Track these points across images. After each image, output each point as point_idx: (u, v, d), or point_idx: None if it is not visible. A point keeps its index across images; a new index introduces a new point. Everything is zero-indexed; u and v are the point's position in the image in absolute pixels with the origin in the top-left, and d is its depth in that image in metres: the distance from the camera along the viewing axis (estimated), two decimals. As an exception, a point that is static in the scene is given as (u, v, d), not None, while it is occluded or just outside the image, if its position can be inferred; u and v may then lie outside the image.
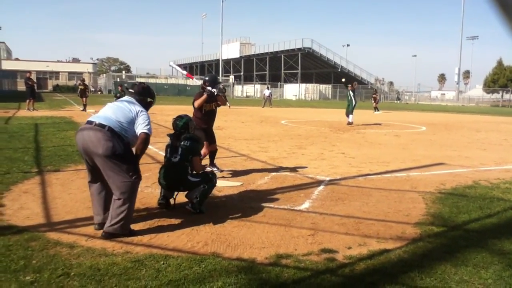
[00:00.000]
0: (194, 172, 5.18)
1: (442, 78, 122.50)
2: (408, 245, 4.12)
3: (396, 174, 7.75)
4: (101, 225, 4.25)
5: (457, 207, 5.46)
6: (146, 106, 4.60)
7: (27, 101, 22.01)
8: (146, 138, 4.25)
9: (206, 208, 5.04)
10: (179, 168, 5.04)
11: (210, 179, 5.13)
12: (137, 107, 4.40)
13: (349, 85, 18.94)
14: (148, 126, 4.29)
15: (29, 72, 23.87)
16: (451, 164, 8.92)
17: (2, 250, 3.66)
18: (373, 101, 31.41)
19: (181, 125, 5.27)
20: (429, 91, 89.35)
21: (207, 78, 7.23)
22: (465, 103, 70.43)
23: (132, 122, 4.26)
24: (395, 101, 65.48)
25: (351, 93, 18.57)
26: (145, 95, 4.65)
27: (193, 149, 5.16)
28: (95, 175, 4.29)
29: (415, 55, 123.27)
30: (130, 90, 4.65)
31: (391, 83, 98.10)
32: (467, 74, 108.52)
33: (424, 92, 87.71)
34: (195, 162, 5.17)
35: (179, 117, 5.37)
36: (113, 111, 4.29)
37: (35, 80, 22.88)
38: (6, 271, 3.27)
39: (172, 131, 5.37)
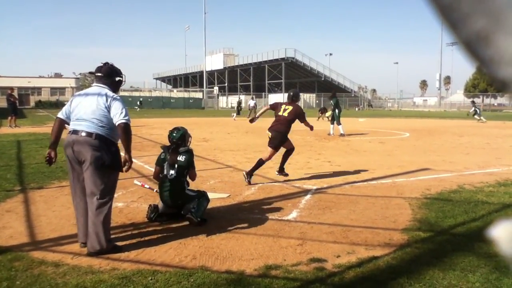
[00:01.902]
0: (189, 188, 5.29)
1: (423, 84, 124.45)
2: (396, 251, 4.14)
3: (382, 180, 7.80)
4: (85, 244, 4.17)
5: (443, 211, 5.51)
6: (116, 86, 4.45)
7: (9, 118, 21.67)
8: (126, 128, 4.16)
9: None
10: (177, 184, 5.11)
11: (203, 194, 5.26)
12: (108, 93, 4.22)
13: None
14: (124, 114, 4.15)
15: (11, 88, 23.55)
16: (436, 169, 9.02)
17: (-15, 272, 3.57)
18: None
19: (177, 137, 5.26)
20: (411, 97, 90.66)
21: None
22: (447, 108, 71.51)
23: (108, 115, 4.14)
24: (368, 108, 65.96)
25: (334, 101, 18.45)
26: (114, 74, 4.42)
27: (189, 164, 5.21)
28: (80, 192, 4.20)
29: (396, 62, 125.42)
30: (98, 74, 4.35)
31: (374, 90, 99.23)
32: (448, 80, 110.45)
33: (407, 99, 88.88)
34: (192, 174, 5.32)
35: (176, 129, 5.36)
36: (91, 112, 4.13)
37: (16, 97, 22.56)
38: (-11, 293, 3.19)
39: (164, 144, 5.38)
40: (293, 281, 3.47)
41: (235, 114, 32.91)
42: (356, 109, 66.00)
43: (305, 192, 6.80)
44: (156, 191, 6.23)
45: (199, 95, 68.42)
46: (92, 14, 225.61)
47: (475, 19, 0.46)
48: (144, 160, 10.04)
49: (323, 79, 71.92)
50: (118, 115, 4.13)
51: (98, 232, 4.04)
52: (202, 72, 75.05)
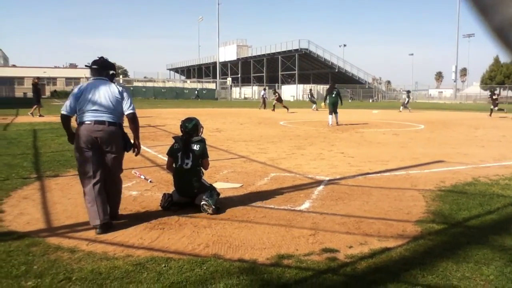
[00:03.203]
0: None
1: (439, 76, 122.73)
2: (409, 243, 4.12)
3: (396, 172, 7.75)
4: (103, 226, 4.33)
5: (457, 204, 5.46)
6: (111, 79, 4.74)
7: (34, 107, 21.98)
8: (134, 118, 4.70)
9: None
10: (193, 173, 5.19)
11: (214, 188, 5.38)
12: (117, 87, 4.64)
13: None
14: (132, 106, 4.66)
15: (37, 78, 23.79)
16: (450, 162, 8.93)
17: (3, 256, 3.65)
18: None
19: (190, 127, 5.30)
20: (426, 89, 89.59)
21: None
22: (462, 100, 70.51)
23: (119, 103, 4.59)
24: (370, 100, 64.73)
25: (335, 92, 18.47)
26: (109, 67, 4.76)
27: (203, 152, 5.27)
28: (99, 175, 4.48)
29: (411, 54, 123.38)
30: (94, 66, 4.67)
31: (389, 82, 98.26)
32: (464, 72, 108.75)
33: (422, 91, 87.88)
34: (205, 163, 5.39)
35: (188, 119, 5.40)
36: (110, 103, 4.52)
37: (39, 86, 22.83)
38: (7, 277, 3.26)
39: (176, 134, 5.42)
40: (305, 270, 3.48)
41: (315, 106, 32.36)
42: (370, 100, 65.43)
43: (318, 183, 6.79)
44: (150, 181, 6.30)
45: (212, 86, 68.43)
46: (106, 5, 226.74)
47: (509, 5, 0.45)
48: (158, 149, 10.11)
49: (336, 70, 71.40)
50: (127, 107, 4.62)
51: (118, 204, 4.84)
52: (215, 63, 75.03)
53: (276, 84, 69.74)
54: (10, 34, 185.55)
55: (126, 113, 4.62)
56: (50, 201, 5.52)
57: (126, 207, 5.26)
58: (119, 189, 4.86)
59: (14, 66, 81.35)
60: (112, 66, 4.85)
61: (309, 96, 34.63)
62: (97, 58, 4.76)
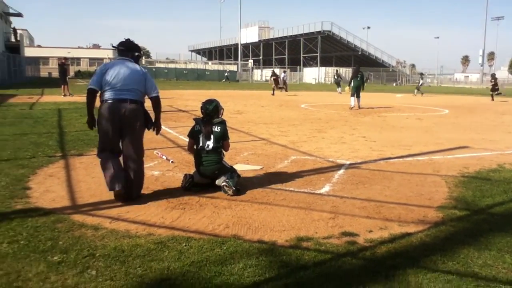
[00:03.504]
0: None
1: (465, 60, 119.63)
2: (430, 228, 4.09)
3: (418, 157, 7.65)
4: (123, 194, 4.72)
5: (480, 190, 5.37)
6: (136, 60, 4.94)
7: (62, 86, 22.39)
8: (158, 100, 4.94)
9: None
10: (214, 154, 5.23)
11: (235, 170, 5.42)
12: (141, 68, 4.88)
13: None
14: (156, 89, 4.91)
15: (64, 58, 24.14)
16: (475, 148, 8.76)
17: (31, 231, 3.76)
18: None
19: (211, 109, 5.32)
20: (452, 73, 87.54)
21: None
22: (489, 85, 68.74)
23: (142, 84, 4.79)
24: (393, 84, 62.58)
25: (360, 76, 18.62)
26: (134, 49, 4.96)
27: (224, 134, 5.31)
28: (117, 149, 4.82)
29: (437, 37, 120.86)
30: (120, 47, 4.88)
31: (413, 65, 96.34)
32: (491, 56, 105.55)
33: (447, 75, 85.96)
34: (226, 145, 5.42)
35: (209, 101, 5.41)
36: (133, 83, 4.72)
37: (65, 66, 23.19)
38: (35, 251, 3.37)
39: (197, 116, 5.45)
40: (324, 253, 3.49)
41: (339, 89, 31.99)
42: (394, 84, 64.36)
43: (339, 166, 6.76)
44: (172, 162, 6.36)
45: (233, 67, 68.24)
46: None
47: None
48: (179, 130, 10.19)
49: (360, 53, 70.24)
50: (152, 89, 4.86)
51: (141, 181, 4.94)
52: (237, 45, 74.64)
53: (298, 67, 69.19)
54: (35, 14, 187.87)
55: (150, 96, 4.85)
56: (75, 179, 5.64)
57: (148, 186, 5.34)
58: (141, 169, 4.92)
59: (39, 46, 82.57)
60: (137, 48, 5.02)
61: (335, 77, 33.86)
62: (123, 40, 4.94)
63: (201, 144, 5.25)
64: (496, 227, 4.15)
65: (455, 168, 6.70)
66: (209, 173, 5.23)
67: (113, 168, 4.70)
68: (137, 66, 4.85)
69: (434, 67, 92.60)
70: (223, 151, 5.42)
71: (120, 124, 4.66)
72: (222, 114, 5.52)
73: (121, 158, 4.88)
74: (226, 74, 60.54)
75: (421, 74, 37.31)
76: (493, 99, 26.25)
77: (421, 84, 32.29)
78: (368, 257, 3.45)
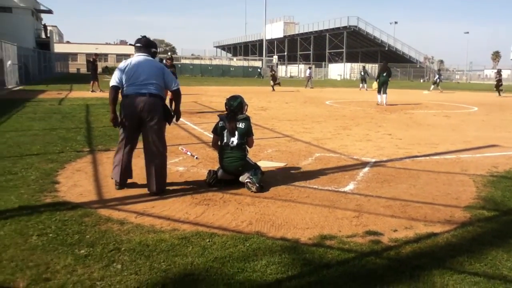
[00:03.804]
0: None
1: (496, 55, 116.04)
2: (456, 229, 4.01)
3: (446, 156, 7.51)
4: (122, 185, 5.04)
5: (510, 190, 5.23)
6: (153, 56, 5.11)
7: (92, 83, 22.88)
8: (179, 93, 5.16)
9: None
10: (238, 151, 5.26)
11: (259, 167, 5.42)
12: (159, 63, 5.10)
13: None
14: (177, 82, 5.12)
15: (94, 54, 24.64)
16: (505, 146, 8.54)
17: (59, 225, 3.86)
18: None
19: (235, 105, 5.34)
20: (482, 69, 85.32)
21: None
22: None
23: (161, 78, 4.95)
24: (421, 80, 59.90)
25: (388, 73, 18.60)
26: (151, 46, 5.11)
27: (248, 130, 5.34)
28: (132, 142, 5.05)
29: (467, 32, 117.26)
30: (137, 44, 5.03)
31: (441, 61, 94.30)
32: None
33: (477, 71, 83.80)
34: (250, 141, 5.46)
35: (233, 97, 5.43)
36: (153, 77, 4.87)
37: (95, 63, 23.67)
38: (63, 244, 3.45)
39: (221, 112, 5.48)
40: (347, 252, 3.47)
41: (365, 85, 31.60)
42: (421, 80, 63.18)
43: (363, 164, 6.69)
44: (196, 158, 6.39)
45: (258, 63, 68.22)
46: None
47: None
48: (204, 127, 10.27)
49: (386, 48, 69.20)
50: (172, 83, 5.03)
51: (165, 175, 5.02)
52: (261, 40, 74.57)
53: (323, 63, 68.66)
54: (64, 11, 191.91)
55: (172, 89, 5.06)
56: (102, 174, 5.75)
57: (173, 182, 5.40)
58: (163, 163, 4.99)
59: (68, 42, 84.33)
60: (154, 44, 5.19)
61: (362, 73, 33.13)
62: (141, 37, 5.10)
63: (225, 141, 5.28)
64: (526, 228, 4.03)
65: (484, 167, 6.54)
66: (233, 170, 5.25)
67: (123, 163, 5.01)
68: (154, 61, 5.05)
69: (463, 63, 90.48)
70: (247, 148, 5.44)
71: (139, 118, 4.85)
72: (246, 110, 5.53)
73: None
74: (259, 70, 61.77)
75: (439, 70, 36.68)
76: (500, 94, 27.06)
77: (438, 80, 31.46)
78: (393, 257, 3.41)
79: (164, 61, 11.20)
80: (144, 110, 4.79)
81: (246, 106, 5.50)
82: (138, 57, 4.98)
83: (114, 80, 4.91)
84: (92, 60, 23.54)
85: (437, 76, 32.28)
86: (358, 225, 4.11)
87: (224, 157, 5.27)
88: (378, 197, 4.99)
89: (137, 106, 4.79)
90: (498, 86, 27.77)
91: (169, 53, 24.61)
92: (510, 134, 10.34)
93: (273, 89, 28.06)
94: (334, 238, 3.73)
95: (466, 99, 23.59)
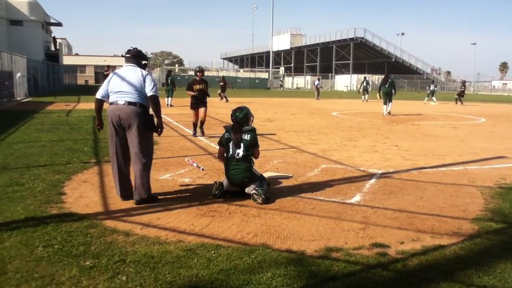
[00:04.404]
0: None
1: (504, 66, 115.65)
2: (464, 241, 3.96)
3: (453, 167, 7.45)
4: (126, 197, 5.01)
5: (519, 203, 5.18)
6: (142, 67, 5.14)
7: None
8: (155, 99, 5.00)
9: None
10: (244, 162, 5.25)
11: (265, 178, 5.44)
12: (142, 71, 5.02)
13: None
14: (154, 89, 4.98)
15: (107, 66, 24.86)
16: (513, 158, 8.46)
17: (65, 236, 3.87)
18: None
19: (241, 117, 5.36)
20: (489, 80, 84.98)
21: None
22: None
23: (142, 86, 4.93)
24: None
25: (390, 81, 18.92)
26: (141, 57, 5.19)
27: (254, 142, 5.33)
28: (122, 152, 4.99)
29: (474, 43, 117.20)
30: (127, 55, 5.13)
31: (449, 72, 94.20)
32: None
33: (484, 82, 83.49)
34: (256, 152, 5.45)
35: (239, 109, 5.45)
36: (132, 86, 4.90)
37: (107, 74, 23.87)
38: (68, 256, 3.45)
39: (227, 123, 5.49)
40: (354, 264, 3.44)
41: (367, 96, 31.62)
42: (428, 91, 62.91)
43: (370, 176, 6.65)
44: (202, 169, 6.36)
45: (265, 75, 68.44)
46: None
47: None
48: (210, 138, 10.28)
49: (393, 60, 69.18)
50: (150, 88, 4.95)
51: (144, 184, 4.91)
52: (268, 52, 74.85)
53: (330, 74, 68.76)
54: (73, 23, 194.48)
55: (148, 94, 4.95)
56: (108, 186, 5.76)
57: (178, 193, 5.41)
58: (142, 172, 4.91)
59: (77, 54, 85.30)
60: (143, 56, 5.27)
61: (364, 84, 32.96)
62: (131, 48, 5.23)
63: (231, 153, 5.28)
64: (536, 241, 3.98)
65: (492, 178, 6.49)
66: (239, 181, 5.24)
67: (117, 174, 5.05)
68: (138, 70, 5.03)
69: (470, 74, 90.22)
70: (253, 159, 5.43)
71: (120, 126, 4.91)
72: (252, 121, 5.54)
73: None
74: (280, 81, 64.57)
75: (432, 81, 36.94)
76: (462, 103, 28.68)
77: (432, 91, 31.55)
78: (400, 269, 3.38)
79: (195, 74, 10.80)
80: (122, 118, 4.85)
81: (252, 118, 5.51)
82: (123, 68, 5.12)
83: (99, 92, 5.09)
84: (106, 74, 23.73)
85: (432, 87, 32.28)
86: (364, 237, 4.07)
87: (230, 168, 5.27)
88: (384, 209, 4.96)
89: (115, 114, 4.87)
90: (461, 96, 29.53)
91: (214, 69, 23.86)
92: (518, 145, 10.25)
93: (222, 98, 26.74)
94: (340, 250, 3.71)
95: (473, 110, 23.48)
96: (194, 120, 10.78)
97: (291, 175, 6.58)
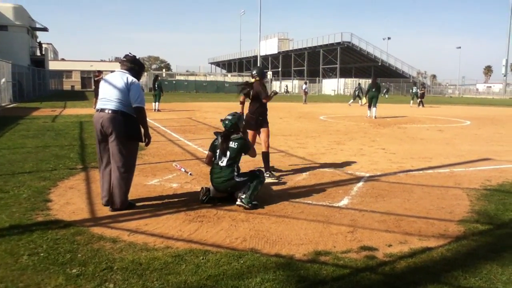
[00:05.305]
0: (241, 172, 5.35)
1: (488, 70, 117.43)
2: (451, 243, 4.00)
3: (439, 170, 7.53)
4: (107, 203, 4.93)
5: (503, 204, 5.25)
6: (137, 74, 5.07)
7: (94, 99, 22.77)
8: (141, 110, 4.89)
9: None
10: (227, 171, 5.18)
11: (256, 176, 5.26)
12: (129, 78, 4.88)
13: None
14: (140, 99, 4.86)
15: (98, 71, 24.62)
16: (498, 160, 8.58)
17: (51, 244, 3.81)
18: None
19: (229, 126, 5.33)
20: (474, 84, 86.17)
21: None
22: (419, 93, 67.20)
23: (127, 93, 4.82)
24: (384, 95, 55.60)
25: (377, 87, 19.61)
26: (136, 63, 5.10)
27: (242, 149, 5.29)
28: (106, 159, 4.94)
29: (459, 47, 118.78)
30: (123, 58, 5.09)
31: (434, 76, 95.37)
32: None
33: (469, 85, 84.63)
34: (251, 154, 5.47)
35: (229, 117, 5.41)
36: (116, 93, 4.81)
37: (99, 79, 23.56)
38: (54, 264, 3.41)
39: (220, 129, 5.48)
40: (342, 268, 3.45)
41: (352, 101, 31.52)
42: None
43: (357, 179, 6.69)
44: (190, 174, 6.33)
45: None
46: (151, 0, 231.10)
47: None
48: (198, 143, 10.26)
49: (380, 64, 69.83)
50: (135, 99, 4.83)
51: (121, 193, 4.83)
52: (256, 56, 75.01)
53: (317, 78, 69.11)
54: (59, 28, 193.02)
55: (133, 105, 4.84)
56: (94, 192, 5.70)
57: (166, 199, 5.38)
58: (119, 180, 4.82)
59: (63, 59, 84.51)
60: (140, 63, 5.18)
61: (356, 92, 32.85)
62: (129, 54, 5.14)
63: (216, 159, 5.27)
64: (521, 242, 4.03)
65: (477, 180, 6.57)
66: (222, 189, 5.22)
67: (101, 181, 5.04)
68: (125, 76, 4.89)
69: (455, 78, 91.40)
70: (239, 167, 5.37)
71: (102, 133, 4.84)
72: (243, 128, 5.55)
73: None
74: (286, 86, 65.77)
75: (414, 83, 37.62)
76: (423, 106, 29.84)
77: (416, 93, 31.95)
78: (388, 272, 3.39)
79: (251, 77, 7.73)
80: (104, 126, 4.78)
81: (242, 124, 5.50)
82: (114, 73, 5.03)
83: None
84: (97, 80, 23.48)
85: (415, 89, 33.00)
86: (352, 240, 4.09)
87: (214, 176, 5.24)
88: (372, 212, 4.99)
89: (99, 122, 4.82)
90: (422, 97, 30.64)
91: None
92: (502, 147, 10.40)
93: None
94: (329, 254, 3.71)
95: (459, 113, 23.77)
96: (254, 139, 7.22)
97: (279, 179, 6.58)
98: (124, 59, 5.08)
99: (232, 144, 5.23)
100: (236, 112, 5.54)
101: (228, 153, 5.20)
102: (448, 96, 67.33)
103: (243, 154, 5.36)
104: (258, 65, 69.87)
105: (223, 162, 5.20)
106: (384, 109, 23.36)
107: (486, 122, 17.98)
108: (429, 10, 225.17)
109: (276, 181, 6.45)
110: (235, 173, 5.23)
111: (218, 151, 5.26)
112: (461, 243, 4.01)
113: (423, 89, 32.21)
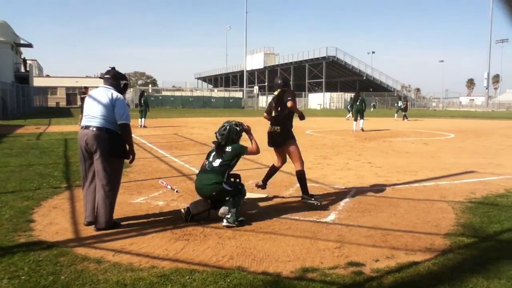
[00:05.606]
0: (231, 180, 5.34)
1: (470, 83, 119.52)
2: (437, 257, 4.01)
3: (425, 183, 7.59)
4: (90, 223, 4.86)
5: (488, 216, 5.30)
6: (122, 88, 5.05)
7: (80, 116, 22.58)
8: (126, 127, 4.86)
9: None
10: (217, 172, 5.12)
11: (239, 190, 5.21)
12: (114, 94, 4.85)
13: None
14: (125, 116, 4.83)
15: (84, 87, 24.44)
16: (482, 172, 8.69)
17: (33, 266, 3.73)
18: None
19: (220, 139, 5.32)
20: (457, 97, 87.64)
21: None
22: (495, 108, 68.69)
23: (111, 109, 4.78)
24: (371, 109, 55.15)
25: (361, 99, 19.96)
26: (120, 78, 5.06)
27: (237, 151, 5.30)
28: (90, 177, 4.87)
29: (442, 61, 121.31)
30: (106, 75, 5.02)
31: (418, 89, 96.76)
32: (496, 78, 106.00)
33: (453, 98, 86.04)
34: (250, 152, 5.55)
35: (221, 129, 5.39)
36: (100, 109, 4.77)
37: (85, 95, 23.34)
38: (36, 287, 3.33)
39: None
40: (330, 284, 3.43)
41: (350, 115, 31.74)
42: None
43: (344, 194, 6.70)
44: (176, 191, 6.26)
45: (239, 94, 68.76)
46: (135, 14, 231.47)
47: None
48: (184, 159, 10.21)
49: (364, 78, 70.76)
50: (120, 116, 4.80)
51: (106, 213, 4.77)
52: (242, 71, 75.47)
53: (303, 92, 69.62)
54: (44, 45, 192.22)
55: (118, 122, 4.81)
56: (79, 211, 5.62)
57: (152, 217, 5.32)
58: (103, 199, 4.77)
59: (48, 76, 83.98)
60: (122, 77, 5.14)
61: (348, 107, 32.96)
62: (111, 69, 5.12)
63: (210, 159, 5.24)
64: (505, 254, 4.07)
65: (462, 193, 6.63)
66: (207, 194, 5.13)
67: (85, 200, 4.96)
68: (109, 92, 4.85)
69: (439, 91, 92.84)
70: (229, 174, 5.33)
71: (87, 151, 4.80)
72: (241, 136, 5.53)
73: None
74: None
75: (399, 96, 38.38)
76: (408, 119, 30.12)
77: (401, 107, 32.28)
78: (375, 288, 3.38)
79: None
80: (88, 143, 4.74)
81: (236, 133, 5.43)
82: (98, 89, 4.98)
83: None
84: (83, 97, 23.32)
85: (400, 103, 33.53)
86: (340, 256, 4.08)
87: (203, 177, 5.16)
88: (359, 227, 4.99)
89: (82, 139, 4.79)
90: (405, 111, 31.10)
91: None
92: (486, 160, 10.54)
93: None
94: (316, 271, 3.69)
95: (443, 126, 24.08)
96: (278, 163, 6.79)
97: (266, 194, 6.57)
98: (107, 75, 5.03)
99: (228, 148, 5.22)
100: (228, 122, 5.49)
101: (223, 156, 5.19)
102: (432, 109, 68.27)
103: (241, 157, 5.35)
104: (245, 79, 70.40)
105: (216, 163, 5.16)
106: (370, 122, 23.55)
107: (469, 135, 18.23)
108: (412, 25, 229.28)
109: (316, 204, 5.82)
110: (225, 179, 5.17)
111: (212, 153, 5.26)
112: (447, 256, 4.03)
113: (405, 102, 32.87)
